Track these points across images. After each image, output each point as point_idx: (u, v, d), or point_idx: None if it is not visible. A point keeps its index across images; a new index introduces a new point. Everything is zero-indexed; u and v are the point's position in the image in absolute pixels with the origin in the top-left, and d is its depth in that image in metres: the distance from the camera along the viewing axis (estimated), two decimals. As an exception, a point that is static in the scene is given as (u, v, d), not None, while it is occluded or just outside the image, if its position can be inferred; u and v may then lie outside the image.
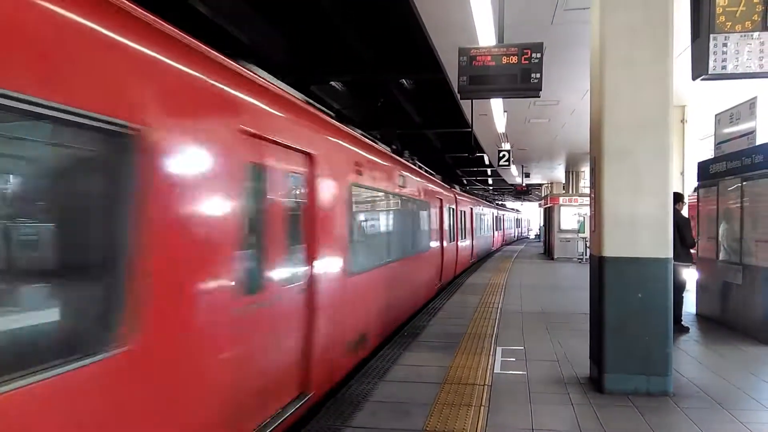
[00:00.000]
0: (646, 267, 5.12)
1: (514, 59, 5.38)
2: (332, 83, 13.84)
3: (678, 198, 8.02)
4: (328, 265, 5.36)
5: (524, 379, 5.61)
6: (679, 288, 7.87)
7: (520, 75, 5.39)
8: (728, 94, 10.46)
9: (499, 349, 6.81)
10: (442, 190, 14.34)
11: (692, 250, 8.12)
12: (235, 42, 9.87)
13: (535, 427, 4.34)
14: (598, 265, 5.31)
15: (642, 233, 5.13)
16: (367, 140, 7.51)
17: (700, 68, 4.93)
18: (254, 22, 9.82)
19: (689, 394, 5.18)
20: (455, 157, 27.87)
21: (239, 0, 9.10)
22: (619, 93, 5.19)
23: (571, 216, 23.38)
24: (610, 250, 5.20)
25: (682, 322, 7.99)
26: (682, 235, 7.60)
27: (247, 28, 9.93)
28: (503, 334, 7.78)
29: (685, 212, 8.87)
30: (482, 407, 4.75)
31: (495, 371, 5.87)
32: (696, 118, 12.64)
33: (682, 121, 12.33)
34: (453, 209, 16.03)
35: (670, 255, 5.14)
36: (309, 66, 11.77)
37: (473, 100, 10.65)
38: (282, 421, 4.27)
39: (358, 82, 14.20)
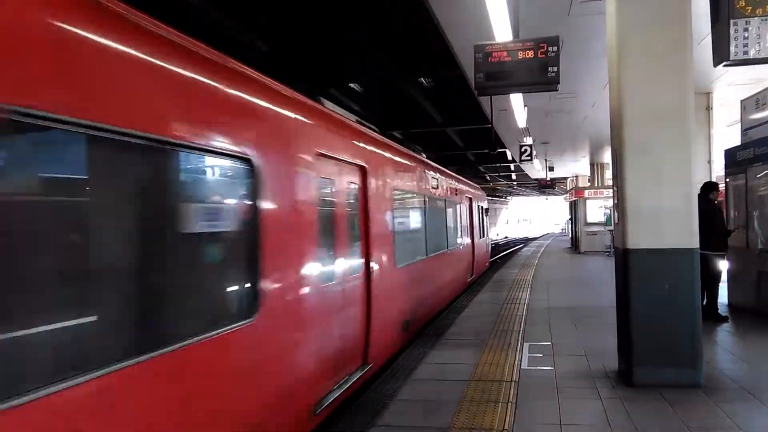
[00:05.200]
0: (672, 258, 5.06)
1: (531, 54, 5.36)
2: (350, 85, 13.91)
3: (712, 187, 7.87)
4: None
5: (552, 375, 5.59)
6: (715, 278, 7.74)
7: (537, 69, 5.36)
8: (756, 78, 10.25)
9: (526, 345, 6.79)
10: (475, 191, 16.60)
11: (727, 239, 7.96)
12: (252, 49, 10.00)
13: (563, 422, 4.33)
14: (623, 257, 5.26)
15: (666, 224, 5.07)
16: (435, 165, 11.13)
17: (721, 54, 4.84)
18: (270, 27, 9.93)
19: (721, 385, 5.10)
20: (477, 154, 27.73)
21: (254, 7, 9.21)
22: (637, 84, 5.14)
23: (597, 209, 23.17)
24: (634, 242, 5.15)
25: (719, 312, 7.87)
26: (713, 224, 7.44)
27: (264, 34, 10.05)
28: (530, 329, 7.75)
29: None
30: (510, 403, 4.76)
31: (522, 367, 5.86)
32: (723, 104, 12.38)
33: (708, 108, 12.07)
34: (483, 207, 17.67)
35: (696, 245, 5.07)
36: (327, 69, 11.87)
37: (492, 96, 10.61)
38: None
39: (376, 83, 14.24)
